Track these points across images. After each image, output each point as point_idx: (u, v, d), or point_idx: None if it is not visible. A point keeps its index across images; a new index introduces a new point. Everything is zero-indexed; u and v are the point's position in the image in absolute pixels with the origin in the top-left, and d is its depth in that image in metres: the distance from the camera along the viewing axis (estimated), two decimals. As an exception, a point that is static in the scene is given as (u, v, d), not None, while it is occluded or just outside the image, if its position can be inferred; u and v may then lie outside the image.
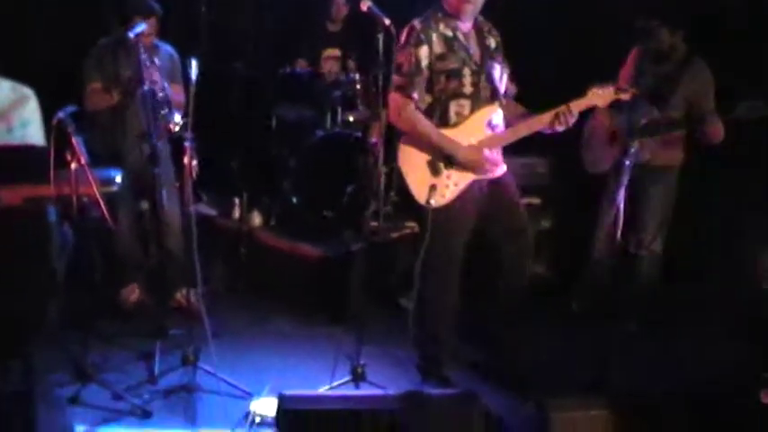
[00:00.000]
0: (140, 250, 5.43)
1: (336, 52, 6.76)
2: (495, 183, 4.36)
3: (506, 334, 4.67)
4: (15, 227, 4.08)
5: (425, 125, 4.20)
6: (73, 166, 4.12)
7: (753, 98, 4.65)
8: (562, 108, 4.17)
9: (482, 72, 4.23)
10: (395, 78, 4.21)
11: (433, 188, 4.17)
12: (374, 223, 5.60)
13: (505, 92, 4.40)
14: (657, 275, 5.30)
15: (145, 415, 4.08)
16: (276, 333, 5.19)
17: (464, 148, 4.21)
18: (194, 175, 4.42)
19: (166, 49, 5.27)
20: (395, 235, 5.73)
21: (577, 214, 5.76)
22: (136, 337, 4.86)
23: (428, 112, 4.23)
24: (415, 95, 4.18)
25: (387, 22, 4.11)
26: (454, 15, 4.22)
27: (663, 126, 4.94)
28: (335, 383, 4.31)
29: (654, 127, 4.95)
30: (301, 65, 6.64)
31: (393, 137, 4.45)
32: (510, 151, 5.50)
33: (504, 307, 4.56)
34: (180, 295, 5.34)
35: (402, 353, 4.76)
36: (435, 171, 4.22)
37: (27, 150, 4.39)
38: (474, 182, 4.27)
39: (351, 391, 4.24)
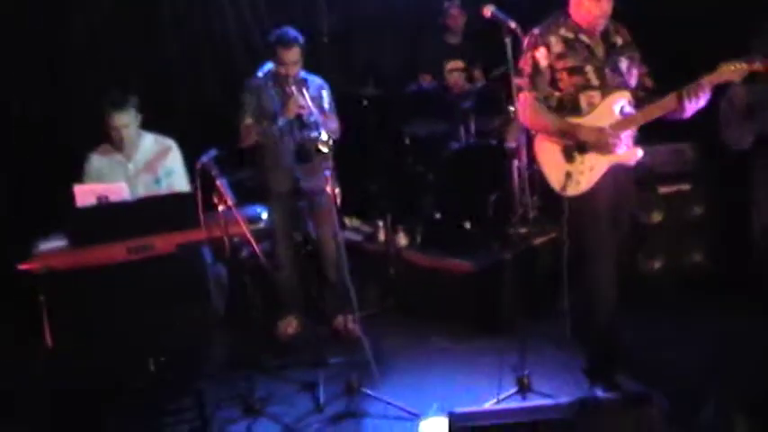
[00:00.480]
0: (298, 282, 5.44)
1: (459, 64, 6.70)
2: (626, 171, 4.27)
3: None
4: (172, 271, 4.19)
5: (546, 115, 4.25)
6: (220, 207, 4.24)
7: None
8: (692, 85, 4.02)
9: (607, 66, 4.23)
10: (517, 81, 4.30)
11: (568, 175, 4.16)
12: (522, 229, 5.55)
13: (639, 86, 4.32)
14: None
15: (316, 444, 4.10)
16: (435, 351, 5.13)
17: (587, 129, 4.16)
18: (338, 202, 4.45)
19: (314, 80, 5.29)
20: (542, 239, 5.64)
21: (730, 197, 5.51)
22: (298, 369, 4.90)
23: (559, 107, 4.26)
24: (537, 93, 4.26)
25: (512, 24, 4.08)
26: (584, 27, 4.23)
27: None
28: (502, 396, 4.24)
29: None
30: (426, 79, 6.62)
31: (531, 140, 4.45)
32: (656, 138, 5.40)
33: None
34: (337, 322, 5.38)
35: (565, 357, 4.67)
36: (570, 158, 4.22)
37: (175, 198, 4.55)
38: (610, 167, 4.18)
39: (520, 402, 4.16)
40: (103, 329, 4.12)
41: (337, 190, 4.44)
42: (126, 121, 4.81)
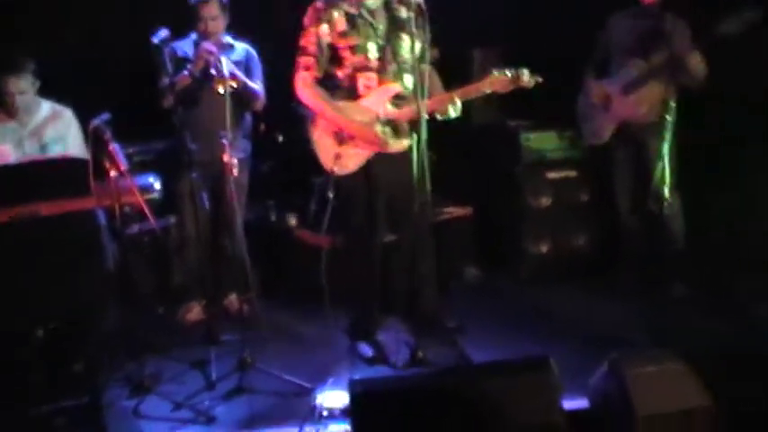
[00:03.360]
0: (204, 262, 5.09)
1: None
2: (397, 158, 4.36)
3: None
4: (62, 234, 3.99)
5: (320, 102, 4.32)
6: (112, 173, 4.09)
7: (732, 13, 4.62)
8: (460, 90, 4.30)
9: (388, 46, 4.31)
10: (299, 59, 4.33)
11: (338, 157, 4.30)
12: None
13: (422, 59, 4.29)
14: (683, 233, 5.26)
15: (209, 421, 3.99)
16: (326, 328, 5.00)
17: (351, 125, 4.30)
18: (235, 173, 4.34)
19: (241, 45, 5.15)
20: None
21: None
22: (188, 347, 4.77)
23: (339, 86, 4.35)
24: (317, 73, 4.32)
25: None
26: (366, 1, 4.29)
27: (651, 72, 5.00)
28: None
29: (644, 76, 5.04)
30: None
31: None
32: (546, 125, 5.58)
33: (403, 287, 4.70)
34: (229, 300, 5.26)
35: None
36: (340, 141, 4.34)
37: (63, 162, 4.34)
38: (377, 154, 4.35)
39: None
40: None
41: (235, 160, 4.33)
42: (22, 86, 4.59)
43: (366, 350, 4.58)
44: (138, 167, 5.11)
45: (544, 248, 5.82)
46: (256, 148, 5.53)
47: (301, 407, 4.01)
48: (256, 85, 5.06)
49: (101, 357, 4.29)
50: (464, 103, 4.39)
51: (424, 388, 3.40)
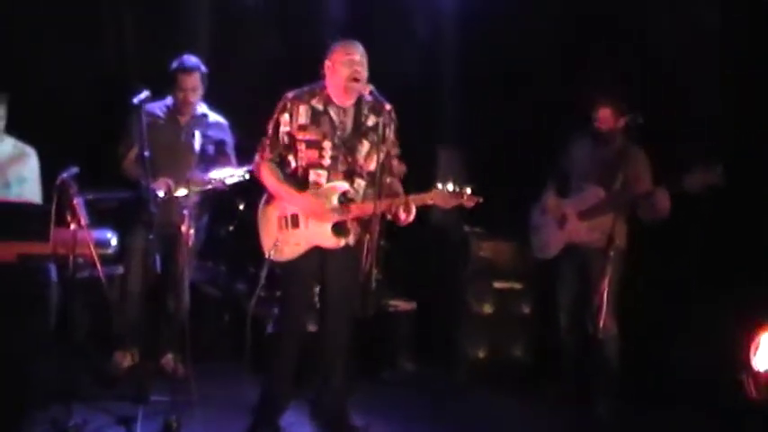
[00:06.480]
0: (143, 315, 5.22)
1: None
2: (334, 254, 4.43)
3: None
4: (11, 282, 4.03)
5: (275, 181, 4.41)
6: (72, 226, 4.17)
7: (695, 170, 4.80)
8: (401, 199, 4.29)
9: (344, 147, 4.37)
10: (262, 140, 4.46)
11: (276, 243, 4.36)
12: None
13: (383, 170, 4.32)
14: (617, 358, 5.32)
15: (125, 480, 3.99)
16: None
17: (301, 198, 4.35)
18: (190, 243, 4.45)
19: (215, 118, 5.36)
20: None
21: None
22: (118, 402, 4.72)
23: (291, 178, 4.43)
24: (269, 155, 4.42)
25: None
26: (335, 100, 4.37)
27: (609, 203, 5.11)
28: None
29: (602, 205, 5.16)
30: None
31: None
32: (499, 234, 5.78)
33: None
34: (166, 360, 5.28)
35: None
36: (281, 228, 4.40)
37: (26, 207, 4.41)
38: (314, 248, 4.39)
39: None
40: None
41: (192, 231, 4.44)
42: None
43: None
44: (98, 216, 5.14)
45: (481, 354, 5.95)
46: (216, 211, 5.64)
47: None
48: (227, 174, 4.99)
49: (25, 404, 4.30)
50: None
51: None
